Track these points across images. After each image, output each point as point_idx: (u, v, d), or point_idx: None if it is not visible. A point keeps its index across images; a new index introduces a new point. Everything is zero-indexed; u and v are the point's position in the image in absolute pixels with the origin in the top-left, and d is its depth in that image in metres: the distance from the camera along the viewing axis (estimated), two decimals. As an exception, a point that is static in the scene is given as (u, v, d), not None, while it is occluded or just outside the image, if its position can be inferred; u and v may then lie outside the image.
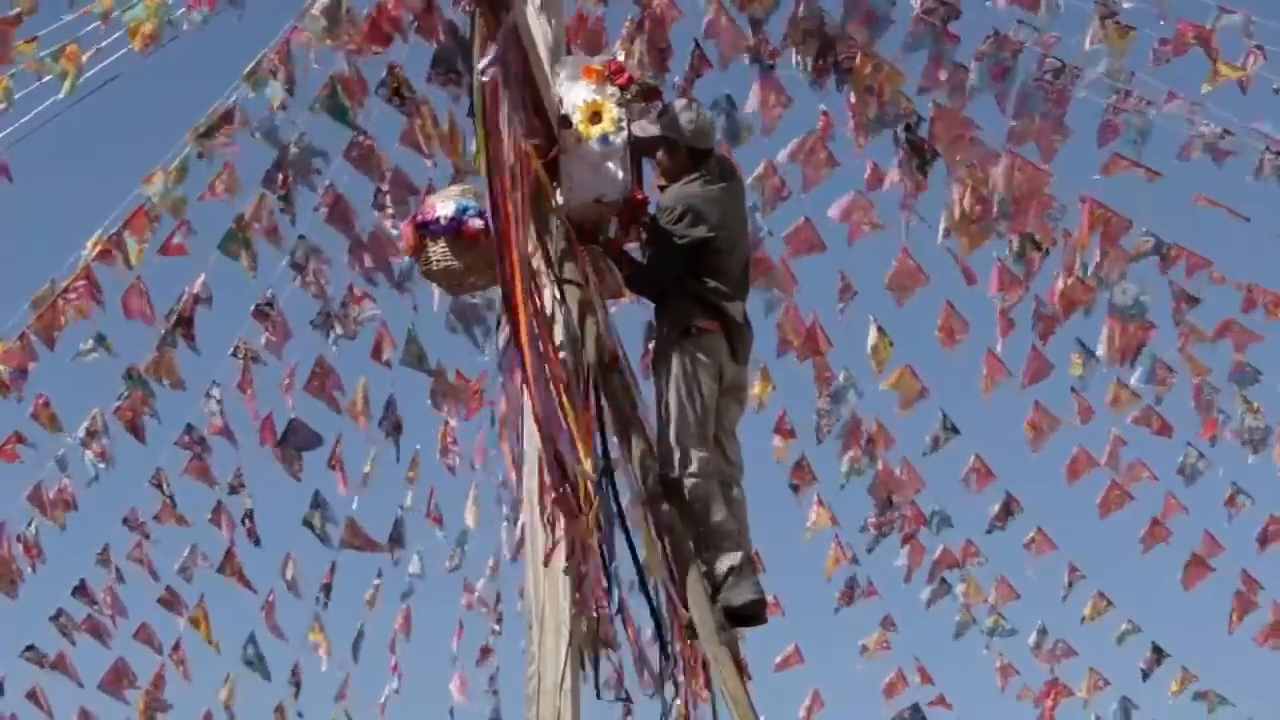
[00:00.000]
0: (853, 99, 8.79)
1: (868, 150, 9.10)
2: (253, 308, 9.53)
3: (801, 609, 11.12)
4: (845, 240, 9.46)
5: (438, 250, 6.94)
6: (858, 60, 8.70)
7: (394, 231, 9.14)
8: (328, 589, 10.50)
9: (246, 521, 10.14)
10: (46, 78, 8.31)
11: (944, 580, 10.56)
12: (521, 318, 6.31)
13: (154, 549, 10.19)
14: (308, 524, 10.13)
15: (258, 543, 10.20)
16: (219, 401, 9.72)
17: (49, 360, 9.35)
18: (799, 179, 9.37)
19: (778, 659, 10.87)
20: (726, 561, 6.74)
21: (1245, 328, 9.43)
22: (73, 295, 9.16)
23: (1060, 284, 9.24)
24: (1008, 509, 10.34)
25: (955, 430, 10.10)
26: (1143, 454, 10.15)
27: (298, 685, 10.71)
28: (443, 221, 6.91)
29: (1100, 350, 9.47)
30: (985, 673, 10.85)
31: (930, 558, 10.56)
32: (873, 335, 9.87)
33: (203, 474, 9.99)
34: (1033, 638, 10.66)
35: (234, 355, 9.68)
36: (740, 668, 6.65)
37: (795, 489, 10.48)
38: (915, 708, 10.79)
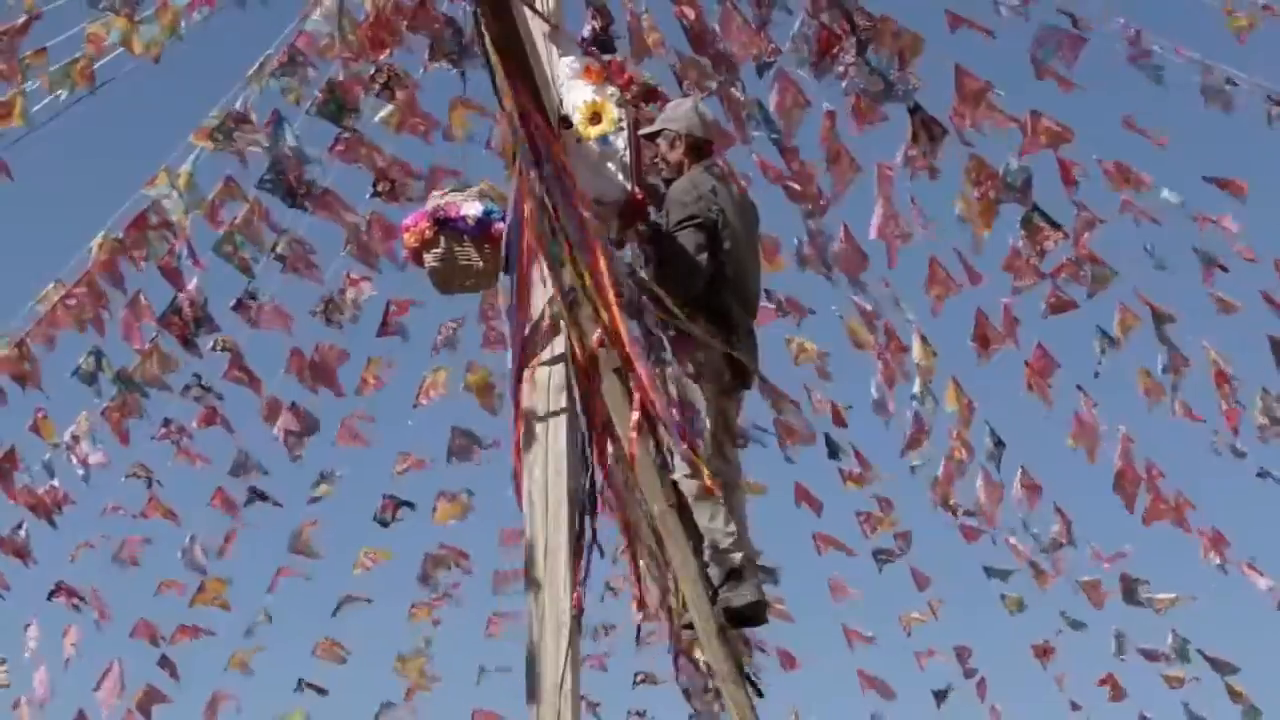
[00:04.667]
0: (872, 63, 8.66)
1: (874, 140, 9.03)
2: (233, 301, 9.52)
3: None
4: (885, 258, 9.36)
5: (459, 249, 6.98)
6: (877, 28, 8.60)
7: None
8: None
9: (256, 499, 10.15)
10: (61, 94, 8.35)
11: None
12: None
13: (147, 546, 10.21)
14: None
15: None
16: (206, 388, 9.72)
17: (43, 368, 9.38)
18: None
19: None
20: (726, 562, 6.75)
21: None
22: (71, 302, 9.13)
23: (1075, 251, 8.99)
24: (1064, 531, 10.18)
25: (1001, 444, 9.99)
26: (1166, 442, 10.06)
27: None
28: (470, 221, 6.96)
29: (1114, 331, 9.25)
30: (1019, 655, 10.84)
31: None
32: (916, 346, 9.76)
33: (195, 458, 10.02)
34: (1112, 645, 10.54)
35: (214, 349, 9.66)
36: (740, 668, 6.65)
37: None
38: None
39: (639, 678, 10.98)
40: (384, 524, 10.49)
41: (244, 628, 10.54)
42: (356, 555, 10.68)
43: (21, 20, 8.26)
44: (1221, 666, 10.24)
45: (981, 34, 8.50)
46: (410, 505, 10.53)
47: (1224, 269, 9.05)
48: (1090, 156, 8.84)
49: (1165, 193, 8.85)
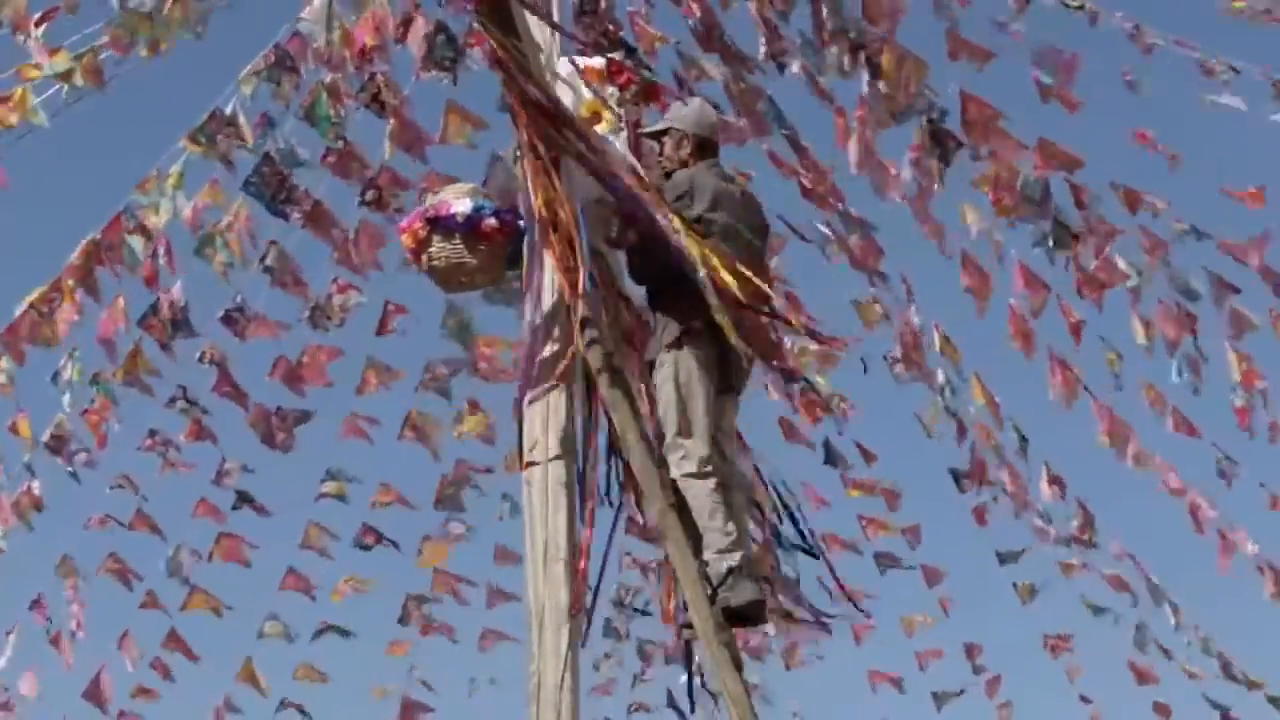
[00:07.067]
0: (883, 90, 8.61)
1: (890, 146, 9.00)
2: (222, 313, 9.44)
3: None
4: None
5: (449, 246, 7.02)
6: (883, 52, 8.52)
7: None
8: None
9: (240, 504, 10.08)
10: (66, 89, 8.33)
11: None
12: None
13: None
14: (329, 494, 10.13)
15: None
16: (191, 402, 9.70)
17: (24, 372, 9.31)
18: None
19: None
20: (725, 561, 6.76)
21: None
22: (49, 305, 9.04)
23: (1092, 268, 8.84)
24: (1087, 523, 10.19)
25: (1025, 439, 9.98)
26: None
27: None
28: (459, 218, 7.00)
29: (1139, 340, 9.15)
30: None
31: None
32: (938, 341, 9.73)
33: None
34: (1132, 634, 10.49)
35: (200, 361, 9.61)
36: (739, 667, 6.66)
37: None
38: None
39: (633, 707, 11.00)
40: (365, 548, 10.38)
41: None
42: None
43: (38, 16, 8.21)
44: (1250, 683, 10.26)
45: (981, 61, 8.52)
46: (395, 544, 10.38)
47: (1236, 290, 9.00)
48: (1102, 178, 8.77)
49: (1176, 224, 8.79)
